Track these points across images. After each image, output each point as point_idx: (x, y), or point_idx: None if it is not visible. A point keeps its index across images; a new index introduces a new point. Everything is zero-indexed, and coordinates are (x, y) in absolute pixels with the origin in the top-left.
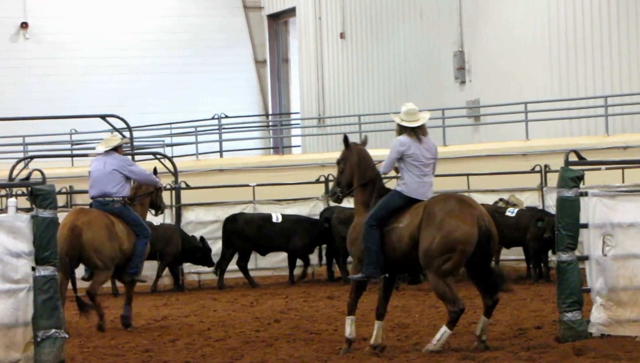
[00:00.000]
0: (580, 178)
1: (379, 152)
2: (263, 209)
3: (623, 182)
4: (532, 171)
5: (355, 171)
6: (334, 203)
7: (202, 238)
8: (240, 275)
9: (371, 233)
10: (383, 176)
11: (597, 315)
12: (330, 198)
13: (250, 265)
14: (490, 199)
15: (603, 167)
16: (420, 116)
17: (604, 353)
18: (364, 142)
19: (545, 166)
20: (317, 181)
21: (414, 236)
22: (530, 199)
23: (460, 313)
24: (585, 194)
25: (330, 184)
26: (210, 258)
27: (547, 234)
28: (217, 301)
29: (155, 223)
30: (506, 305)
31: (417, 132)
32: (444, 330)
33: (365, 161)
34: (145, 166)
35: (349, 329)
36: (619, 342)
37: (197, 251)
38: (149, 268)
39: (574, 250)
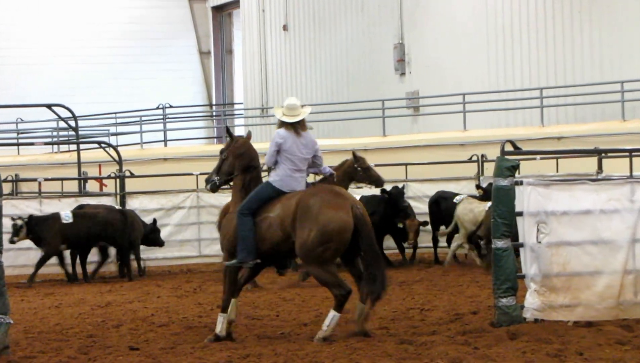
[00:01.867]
0: (515, 168)
1: (322, 142)
2: (206, 197)
3: (557, 171)
4: (470, 160)
5: (237, 161)
6: (210, 191)
7: (154, 220)
8: (185, 262)
9: (243, 221)
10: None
11: (531, 301)
12: (206, 185)
13: (193, 252)
14: (428, 188)
15: (538, 157)
16: (302, 111)
17: (537, 337)
18: (249, 136)
19: (482, 155)
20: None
21: (286, 229)
22: (466, 189)
23: (347, 295)
24: (520, 183)
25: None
26: (161, 239)
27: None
28: (162, 287)
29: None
30: (443, 290)
31: (296, 127)
32: (332, 314)
33: (247, 152)
34: (90, 155)
35: (219, 327)
36: (552, 326)
37: (151, 233)
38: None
39: (509, 237)
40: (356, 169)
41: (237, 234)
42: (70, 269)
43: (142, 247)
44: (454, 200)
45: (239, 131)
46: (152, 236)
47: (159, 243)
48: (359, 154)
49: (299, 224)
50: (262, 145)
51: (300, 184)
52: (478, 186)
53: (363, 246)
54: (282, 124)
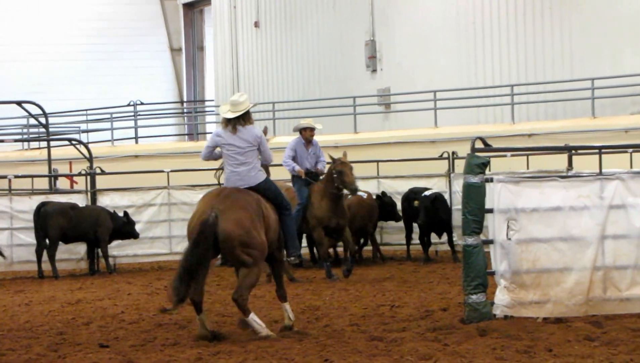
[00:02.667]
0: (485, 165)
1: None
2: (177, 194)
3: (528, 168)
4: (440, 157)
5: None
6: None
7: (125, 213)
8: (156, 259)
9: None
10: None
11: (501, 297)
12: None
13: (164, 249)
14: (399, 185)
15: (508, 154)
16: (243, 106)
17: (507, 333)
18: (265, 131)
19: (453, 152)
20: None
21: None
22: (438, 186)
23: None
24: (491, 180)
25: None
26: (135, 231)
27: (420, 220)
28: (132, 284)
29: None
30: (413, 287)
31: (233, 123)
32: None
33: None
34: (61, 152)
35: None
36: (522, 322)
37: (124, 225)
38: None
39: (479, 234)
40: (331, 172)
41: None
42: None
43: (113, 244)
44: (424, 193)
45: (210, 128)
46: (125, 229)
47: (134, 235)
48: (339, 157)
49: None
50: None
51: (244, 178)
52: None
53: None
54: (224, 121)
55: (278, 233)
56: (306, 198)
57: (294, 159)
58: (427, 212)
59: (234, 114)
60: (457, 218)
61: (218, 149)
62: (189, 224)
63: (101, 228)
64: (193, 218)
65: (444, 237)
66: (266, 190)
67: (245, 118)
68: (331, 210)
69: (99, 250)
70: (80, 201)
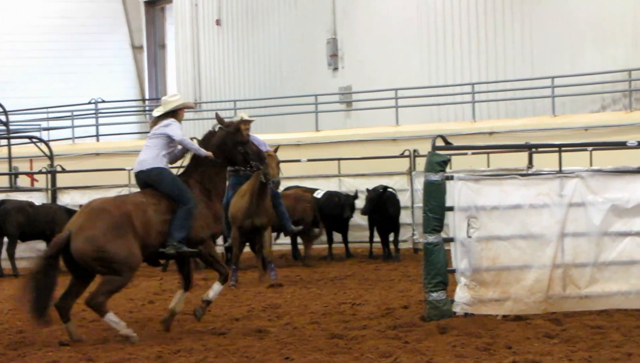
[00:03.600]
0: (446, 163)
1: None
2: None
3: (488, 166)
4: (402, 155)
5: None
6: None
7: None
8: None
9: None
10: None
11: (461, 295)
12: None
13: None
14: (361, 183)
15: (469, 152)
16: (168, 106)
17: (467, 331)
18: None
19: (414, 150)
20: None
21: None
22: (399, 184)
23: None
24: (451, 178)
25: None
26: None
27: (363, 210)
28: (93, 283)
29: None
30: (374, 285)
31: (156, 121)
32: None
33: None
34: (21, 149)
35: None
36: (482, 320)
37: None
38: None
39: (440, 232)
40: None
41: None
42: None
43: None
44: (315, 194)
45: None
46: None
47: None
48: (267, 150)
49: None
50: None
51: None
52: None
53: None
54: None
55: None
56: (230, 196)
57: None
58: (372, 204)
59: (159, 112)
60: (418, 216)
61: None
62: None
63: (58, 227)
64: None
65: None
66: (159, 182)
67: (174, 114)
68: (247, 210)
69: None
70: (41, 199)
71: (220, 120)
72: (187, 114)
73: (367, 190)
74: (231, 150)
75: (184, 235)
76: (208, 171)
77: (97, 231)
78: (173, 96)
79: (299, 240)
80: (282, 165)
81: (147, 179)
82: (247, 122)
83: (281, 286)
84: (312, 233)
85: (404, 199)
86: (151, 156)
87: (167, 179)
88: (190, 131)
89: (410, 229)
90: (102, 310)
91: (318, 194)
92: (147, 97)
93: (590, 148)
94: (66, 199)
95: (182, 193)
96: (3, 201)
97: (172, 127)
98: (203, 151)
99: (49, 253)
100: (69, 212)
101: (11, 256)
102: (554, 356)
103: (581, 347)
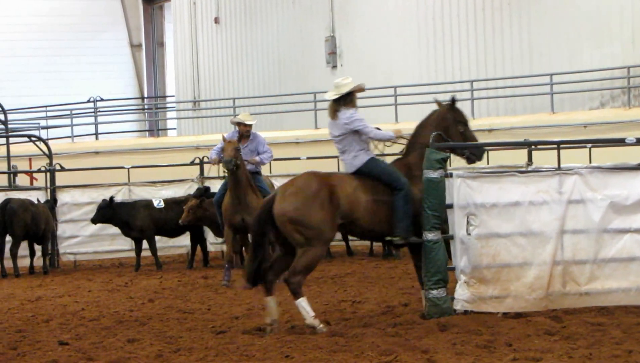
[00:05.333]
0: (445, 160)
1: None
2: (138, 191)
3: (488, 164)
4: (401, 153)
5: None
6: None
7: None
8: (116, 256)
9: None
10: None
11: (461, 292)
12: None
13: (125, 246)
14: None
15: None
16: (341, 90)
17: (467, 328)
18: None
19: None
20: (192, 163)
21: None
22: None
23: None
24: (450, 175)
25: (206, 166)
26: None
27: None
28: (92, 281)
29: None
30: (375, 283)
31: (331, 109)
32: None
33: None
34: (20, 148)
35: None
36: (482, 317)
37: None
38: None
39: (440, 229)
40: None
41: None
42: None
43: (73, 241)
44: None
45: (171, 124)
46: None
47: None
48: None
49: None
50: (194, 138)
51: (347, 166)
52: None
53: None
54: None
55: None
56: (221, 194)
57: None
58: None
59: (333, 96)
60: None
61: None
62: None
63: (49, 226)
64: None
65: None
66: (370, 171)
67: (345, 101)
68: (233, 206)
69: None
70: (40, 197)
71: (438, 102)
72: (186, 113)
73: None
74: (450, 126)
75: (408, 223)
76: (415, 156)
77: (299, 196)
78: (345, 79)
79: None
80: (281, 163)
81: (363, 172)
82: (245, 125)
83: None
84: None
85: None
86: (354, 153)
87: (378, 166)
88: (189, 129)
89: None
90: (298, 291)
91: None
92: (145, 95)
93: (589, 145)
94: (65, 198)
95: (393, 178)
96: (8, 200)
97: (355, 123)
98: (390, 134)
99: (260, 214)
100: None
101: (14, 255)
102: (555, 353)
103: (581, 344)
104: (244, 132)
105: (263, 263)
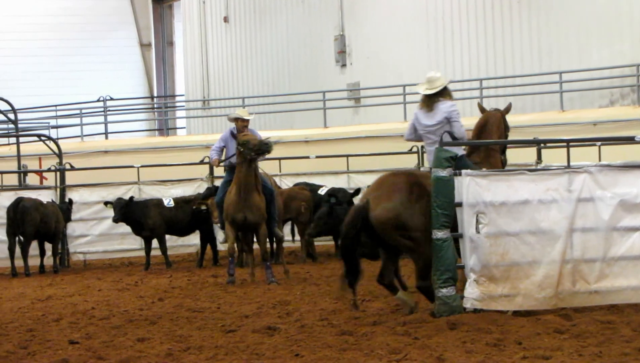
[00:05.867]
0: (454, 158)
1: (263, 134)
2: (148, 190)
3: None
4: (410, 151)
5: None
6: None
7: (70, 200)
8: (126, 255)
9: None
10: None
11: (471, 291)
12: None
13: (134, 245)
14: (370, 179)
15: None
16: (436, 84)
17: (477, 327)
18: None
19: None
20: (202, 162)
21: None
22: None
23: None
24: (459, 174)
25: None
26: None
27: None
28: (102, 280)
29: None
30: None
31: (425, 102)
32: None
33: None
34: (30, 147)
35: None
36: (492, 316)
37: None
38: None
39: (449, 228)
40: (238, 150)
41: None
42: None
43: (83, 240)
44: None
45: (180, 124)
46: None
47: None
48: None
49: None
50: (204, 137)
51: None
52: None
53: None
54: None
55: None
56: (223, 194)
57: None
58: None
59: (422, 91)
60: None
61: None
62: None
63: (59, 225)
64: None
65: None
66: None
67: (442, 94)
68: (237, 202)
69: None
70: (50, 197)
71: (482, 107)
72: (195, 112)
73: None
74: (505, 131)
75: None
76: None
77: (395, 200)
78: (437, 73)
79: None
80: (290, 162)
81: None
82: (243, 121)
83: (279, 284)
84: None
85: None
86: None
87: (465, 164)
88: (199, 128)
89: None
90: (432, 293)
91: (322, 191)
92: (155, 94)
93: (598, 143)
94: (75, 197)
95: None
96: (20, 199)
97: (454, 114)
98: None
99: (349, 222)
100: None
101: (25, 254)
102: (564, 351)
103: (591, 342)
104: (241, 128)
105: (356, 268)
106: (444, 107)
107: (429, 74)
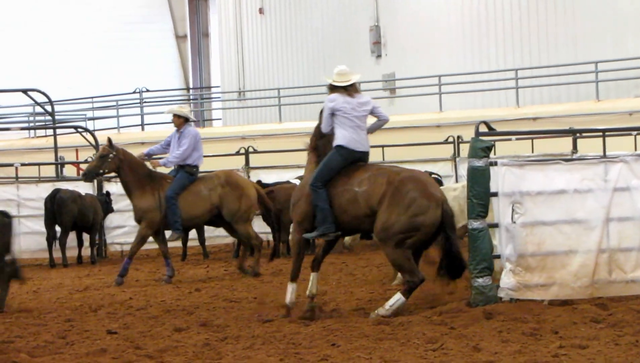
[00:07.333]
0: (490, 148)
1: (299, 124)
2: None
3: (533, 152)
4: (446, 142)
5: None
6: None
7: (107, 192)
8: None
9: (318, 193)
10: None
11: (507, 280)
12: None
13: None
14: None
15: (513, 138)
16: (352, 77)
17: (513, 316)
18: None
19: (458, 137)
20: (238, 153)
21: (373, 206)
22: (443, 170)
23: (419, 283)
24: (495, 163)
25: (251, 156)
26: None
27: None
28: (140, 271)
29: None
30: (420, 271)
31: (348, 90)
32: (398, 297)
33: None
34: (67, 139)
35: (289, 296)
36: (527, 305)
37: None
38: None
39: (485, 217)
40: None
41: (314, 206)
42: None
43: (120, 231)
44: None
45: (216, 115)
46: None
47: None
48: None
49: (387, 206)
50: (239, 128)
51: (366, 140)
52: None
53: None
54: (332, 89)
55: None
56: (176, 189)
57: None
58: None
59: (342, 83)
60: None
61: None
62: (416, 215)
63: (97, 216)
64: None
65: None
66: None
67: (355, 87)
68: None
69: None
70: (87, 189)
71: None
72: (231, 103)
73: None
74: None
75: None
76: None
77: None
78: (346, 67)
79: None
80: None
81: (364, 158)
82: (178, 117)
83: (259, 275)
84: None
85: (448, 185)
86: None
87: None
88: (235, 119)
89: None
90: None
91: None
92: (191, 86)
93: (634, 133)
94: (112, 189)
95: None
96: (57, 191)
97: (381, 110)
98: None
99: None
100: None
101: (63, 245)
102: (601, 340)
103: (628, 332)
104: (178, 125)
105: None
106: (366, 99)
107: (340, 68)
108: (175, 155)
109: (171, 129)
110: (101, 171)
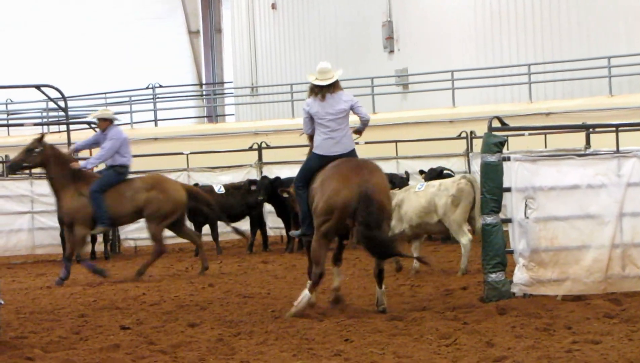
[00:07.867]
0: (503, 144)
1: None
2: (197, 176)
3: (546, 147)
4: (459, 137)
5: None
6: None
7: None
8: (177, 241)
9: (299, 194)
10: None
11: (520, 276)
12: None
13: None
14: (419, 165)
15: (526, 133)
16: (334, 73)
17: (526, 312)
18: None
19: (471, 132)
20: (250, 149)
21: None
22: (456, 165)
23: (320, 277)
24: (508, 159)
25: (264, 152)
26: None
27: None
28: (153, 266)
29: None
30: (433, 266)
31: (322, 90)
32: (304, 293)
33: None
34: (80, 135)
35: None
36: (541, 301)
37: None
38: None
39: (498, 213)
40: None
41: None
42: None
43: (133, 227)
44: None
45: (229, 110)
46: None
47: None
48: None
49: (316, 193)
50: (252, 124)
51: (343, 144)
52: (421, 172)
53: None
54: (311, 91)
55: None
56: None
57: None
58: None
59: (320, 82)
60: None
61: None
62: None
63: None
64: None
65: None
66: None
67: (335, 85)
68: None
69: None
70: None
71: None
72: (244, 98)
73: (421, 171)
74: None
75: None
76: None
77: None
78: (328, 65)
79: None
80: None
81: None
82: (103, 120)
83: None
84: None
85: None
86: (349, 137)
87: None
88: (248, 115)
89: None
90: None
91: None
92: (204, 81)
93: None
94: None
95: None
96: None
97: (362, 109)
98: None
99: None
100: None
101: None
102: (614, 336)
103: None
104: (99, 127)
105: None
106: (345, 97)
107: (322, 65)
108: (96, 156)
109: (184, 126)
110: (25, 164)
